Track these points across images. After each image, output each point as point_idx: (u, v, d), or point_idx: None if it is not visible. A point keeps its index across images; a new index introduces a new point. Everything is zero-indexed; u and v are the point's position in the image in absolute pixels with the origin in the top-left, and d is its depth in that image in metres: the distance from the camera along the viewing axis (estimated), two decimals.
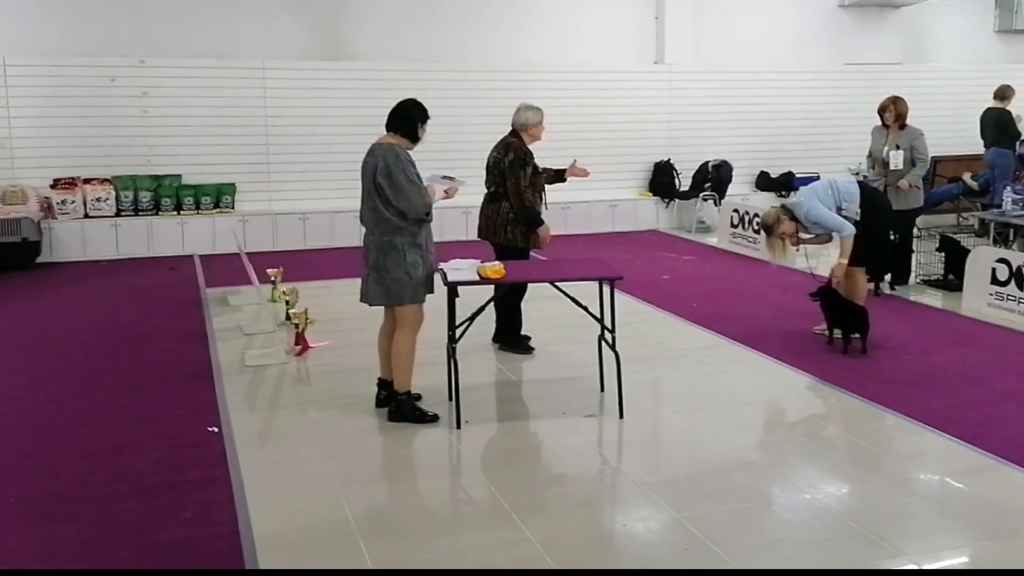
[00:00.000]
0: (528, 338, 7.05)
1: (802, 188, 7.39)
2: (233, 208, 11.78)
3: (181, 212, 11.49)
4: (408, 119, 5.40)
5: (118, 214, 11.23)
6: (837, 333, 7.01)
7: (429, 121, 5.49)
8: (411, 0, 12.58)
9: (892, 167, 8.65)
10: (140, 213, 11.35)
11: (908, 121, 8.84)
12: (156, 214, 11.41)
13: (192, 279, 9.97)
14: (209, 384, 6.29)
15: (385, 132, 5.45)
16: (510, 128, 6.87)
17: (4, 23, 11.14)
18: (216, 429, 5.41)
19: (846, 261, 6.80)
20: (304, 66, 12.08)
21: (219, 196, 11.71)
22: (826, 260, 7.75)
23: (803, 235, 7.06)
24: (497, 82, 12.72)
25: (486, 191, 6.84)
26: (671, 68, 13.59)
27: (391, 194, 5.24)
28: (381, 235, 5.35)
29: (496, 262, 5.58)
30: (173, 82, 11.56)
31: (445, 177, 5.66)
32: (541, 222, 6.71)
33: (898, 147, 8.68)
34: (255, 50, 11.99)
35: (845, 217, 6.87)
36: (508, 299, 6.71)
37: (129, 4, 11.53)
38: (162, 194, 11.45)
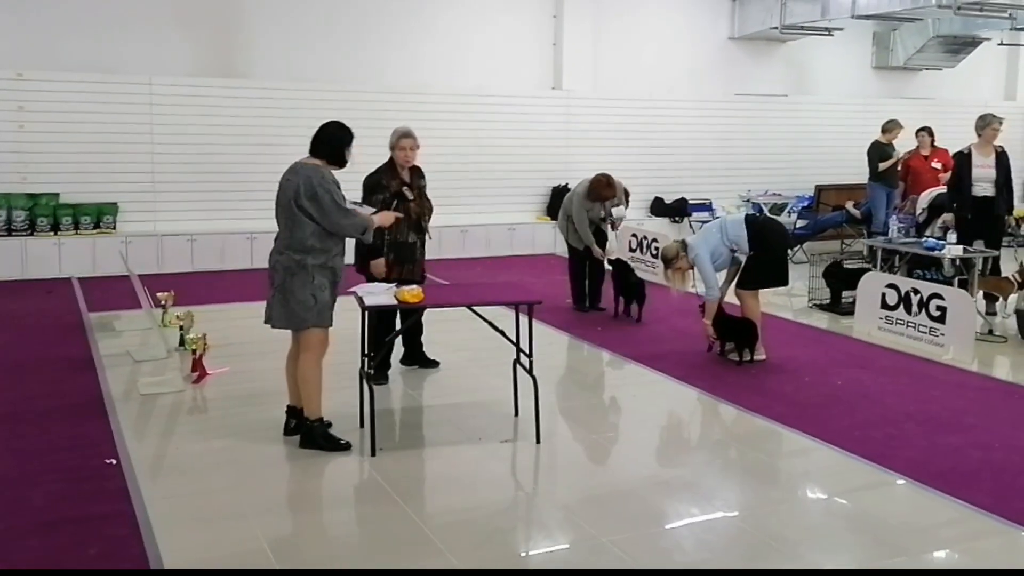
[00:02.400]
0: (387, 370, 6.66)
1: (700, 230, 7.82)
2: (115, 228, 11.23)
3: (58, 233, 10.88)
4: (333, 142, 5.26)
5: None
6: (730, 346, 7.39)
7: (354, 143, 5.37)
8: (306, 18, 12.35)
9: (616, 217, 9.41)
10: (14, 233, 10.69)
11: None
12: (31, 234, 10.77)
13: (72, 303, 9.43)
14: (101, 414, 5.91)
15: (308, 155, 5.27)
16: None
17: None
18: (114, 461, 5.07)
19: (709, 322, 7.35)
20: (194, 83, 11.66)
21: (100, 216, 11.14)
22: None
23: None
24: (393, 104, 12.57)
25: None
26: (569, 94, 13.78)
27: (318, 216, 5.08)
28: (292, 255, 5.17)
29: (414, 286, 5.45)
30: (53, 96, 10.98)
31: (353, 203, 5.55)
32: (378, 254, 6.34)
33: (613, 207, 9.34)
34: (142, 65, 11.51)
35: (735, 253, 7.35)
36: (380, 327, 6.04)
37: (6, 14, 10.91)
38: (38, 213, 10.82)
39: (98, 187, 11.24)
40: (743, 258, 7.36)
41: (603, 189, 9.14)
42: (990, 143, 9.01)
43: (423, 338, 7.06)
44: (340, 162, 5.29)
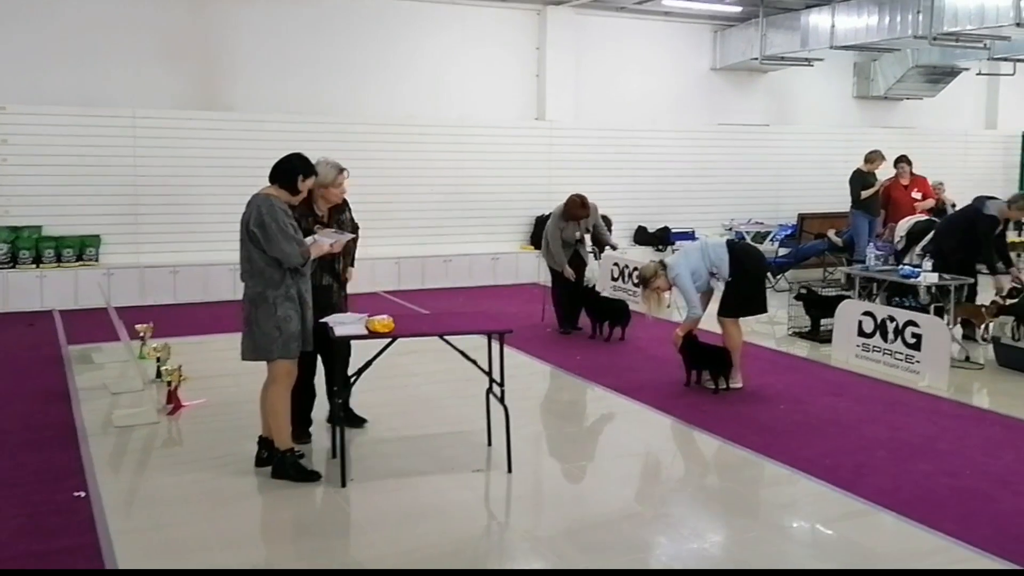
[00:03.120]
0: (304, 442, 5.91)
1: (680, 249, 7.73)
2: (97, 261, 11.24)
3: (40, 265, 10.88)
4: (289, 171, 5.30)
5: None
6: (706, 375, 7.41)
7: (314, 178, 5.40)
8: (290, 51, 12.47)
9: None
10: None
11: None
12: (13, 267, 10.77)
13: (52, 336, 9.41)
14: (73, 446, 5.89)
15: (268, 183, 5.32)
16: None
17: None
18: (83, 494, 5.05)
19: (682, 334, 7.35)
20: (177, 115, 11.74)
21: (82, 248, 11.15)
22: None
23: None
24: (378, 135, 12.72)
25: None
26: (552, 124, 13.89)
27: (264, 243, 5.12)
28: (254, 287, 5.21)
29: (384, 315, 5.46)
30: (35, 129, 11.03)
31: (336, 231, 5.59)
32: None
33: (588, 229, 9.65)
34: (125, 98, 11.58)
35: (716, 276, 7.30)
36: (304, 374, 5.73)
37: None
38: (20, 246, 10.83)
39: (81, 219, 11.26)
40: (720, 284, 7.37)
41: (576, 209, 9.29)
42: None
43: (354, 393, 5.97)
44: (292, 189, 5.29)
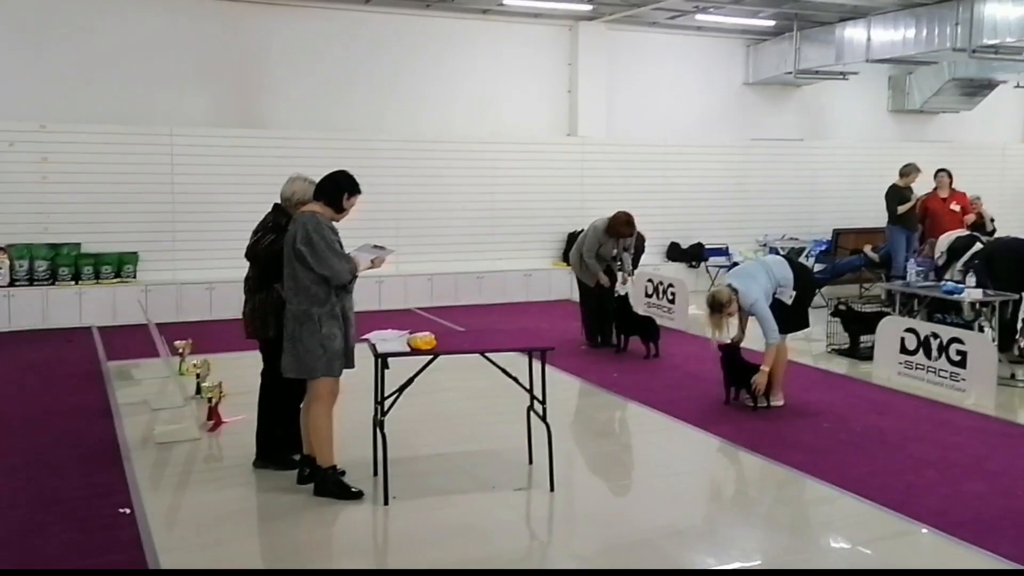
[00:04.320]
0: (295, 459, 5.64)
1: (741, 272, 7.35)
2: (135, 277, 11.34)
3: (79, 282, 10.99)
4: (334, 189, 5.30)
5: (12, 284, 10.67)
6: (745, 393, 7.28)
7: (359, 196, 5.38)
8: (323, 69, 12.56)
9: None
10: (35, 283, 10.81)
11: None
12: (53, 284, 10.89)
13: (91, 352, 9.50)
14: (116, 462, 5.92)
15: (312, 200, 5.33)
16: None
17: None
18: (128, 510, 5.07)
19: (767, 370, 7.02)
20: (214, 133, 11.86)
21: (120, 265, 11.26)
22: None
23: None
24: (409, 152, 12.77)
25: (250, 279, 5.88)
26: (584, 140, 13.88)
27: (312, 261, 5.11)
28: (299, 304, 5.20)
29: (427, 332, 5.45)
30: (75, 147, 11.16)
31: (376, 247, 5.56)
32: None
33: (626, 249, 9.62)
34: (163, 116, 11.72)
35: (779, 295, 7.10)
36: (271, 401, 5.73)
37: (31, 67, 11.17)
38: (59, 263, 10.95)
39: (119, 236, 11.38)
40: (787, 299, 7.16)
41: (622, 226, 9.27)
42: None
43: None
44: (337, 208, 5.29)
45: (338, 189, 5.29)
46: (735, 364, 7.31)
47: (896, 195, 11.94)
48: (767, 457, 6.09)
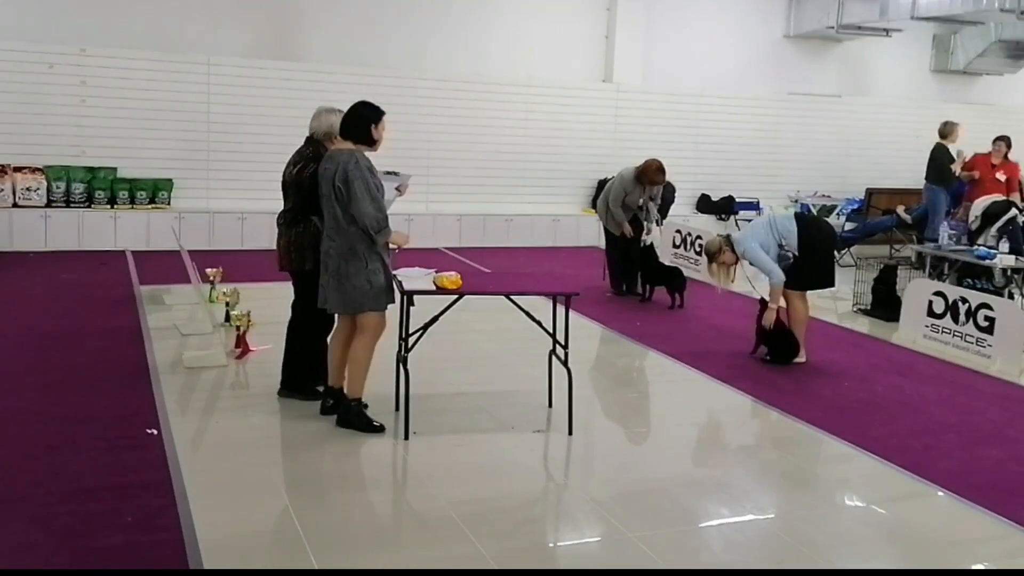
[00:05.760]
0: (319, 390, 5.73)
1: (746, 226, 7.56)
2: (169, 204, 11.47)
3: (115, 206, 11.14)
4: (359, 122, 5.23)
5: (48, 205, 10.83)
6: (764, 351, 7.37)
7: (385, 118, 5.30)
8: (364, 4, 12.46)
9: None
10: (72, 205, 10.97)
11: None
12: (88, 207, 11.04)
13: (125, 276, 9.66)
14: (146, 385, 6.06)
15: (340, 138, 5.32)
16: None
17: None
18: (155, 431, 5.20)
19: (775, 307, 7.16)
20: (251, 64, 11.86)
21: (155, 191, 11.38)
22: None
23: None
24: (444, 91, 12.71)
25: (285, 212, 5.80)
26: (619, 87, 13.72)
27: (347, 200, 5.12)
28: (343, 241, 5.21)
29: (452, 272, 5.49)
30: (114, 73, 11.23)
31: (389, 173, 5.52)
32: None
33: (652, 198, 9.54)
34: (201, 45, 11.73)
35: (784, 253, 7.18)
36: (300, 333, 5.81)
37: None
38: (96, 187, 11.08)
39: (154, 163, 11.49)
40: (790, 255, 7.26)
41: (654, 173, 9.21)
42: None
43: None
44: (368, 141, 5.25)
45: (364, 121, 5.23)
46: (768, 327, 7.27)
47: (946, 154, 11.64)
48: (787, 413, 6.13)
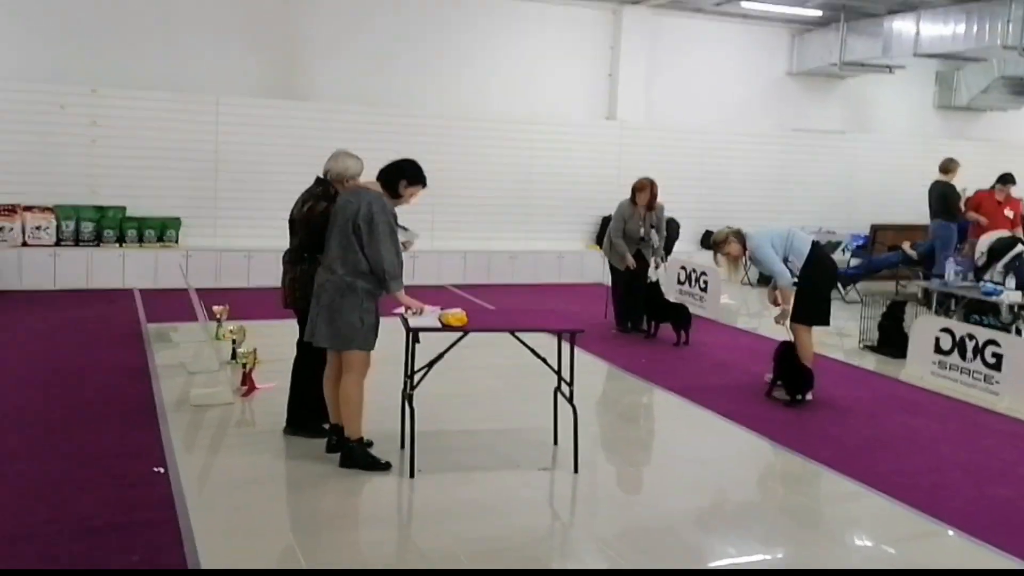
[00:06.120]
0: (325, 427, 5.72)
1: (764, 227, 7.74)
2: (177, 242, 11.54)
3: (123, 244, 11.21)
4: (395, 172, 5.35)
5: (58, 244, 10.91)
6: (780, 391, 7.31)
7: (422, 191, 5.42)
8: (368, 44, 12.63)
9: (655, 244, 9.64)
10: (81, 244, 11.04)
11: None
12: (97, 245, 11.11)
13: (132, 313, 9.69)
14: (152, 422, 6.07)
15: (376, 180, 5.39)
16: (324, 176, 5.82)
17: None
18: (162, 470, 5.21)
19: (789, 307, 7.23)
20: (259, 103, 11.99)
21: (163, 230, 11.46)
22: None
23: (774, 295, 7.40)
24: (450, 129, 12.83)
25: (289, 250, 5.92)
26: (622, 124, 13.84)
27: (367, 240, 5.16)
28: (343, 276, 5.24)
29: (458, 309, 5.51)
30: (124, 112, 11.36)
31: (399, 227, 5.60)
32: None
33: (652, 227, 9.55)
34: (210, 85, 11.87)
35: (787, 263, 7.25)
36: (306, 371, 5.83)
37: (83, 32, 11.35)
38: (105, 225, 11.17)
39: (163, 202, 11.58)
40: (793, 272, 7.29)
41: (638, 185, 9.43)
42: None
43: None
44: (394, 193, 5.34)
45: (398, 174, 5.34)
46: (788, 361, 7.26)
47: (952, 192, 11.66)
48: (793, 450, 6.10)
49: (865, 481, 5.55)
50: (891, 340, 9.04)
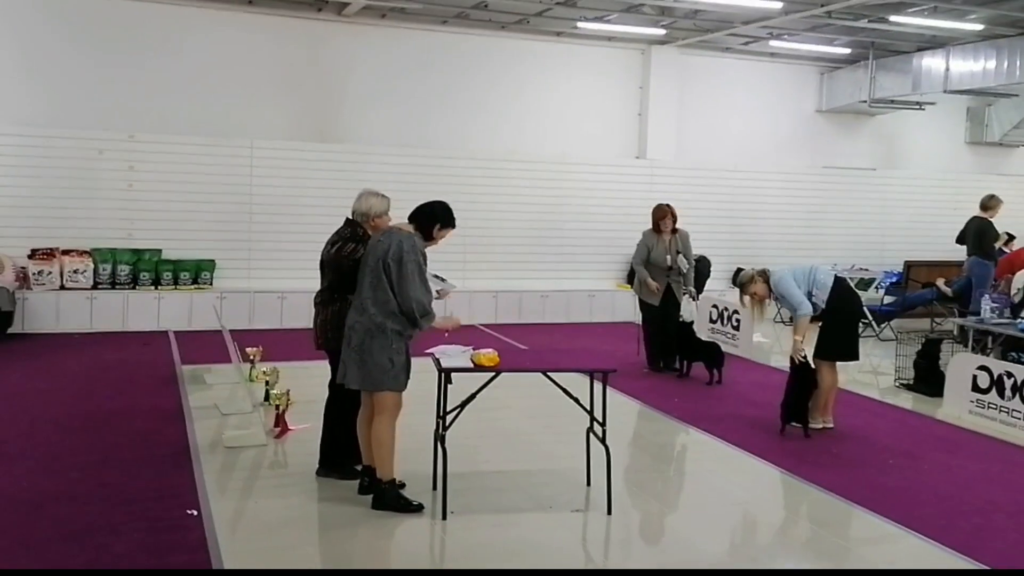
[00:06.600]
0: (358, 469, 5.75)
1: (787, 265, 7.85)
2: (211, 284, 11.70)
3: (159, 287, 11.38)
4: (430, 216, 5.41)
5: (95, 287, 11.11)
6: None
7: (452, 231, 5.49)
8: (399, 86, 12.84)
9: (684, 270, 9.50)
10: (117, 286, 11.23)
11: None
12: (133, 288, 11.29)
13: (167, 355, 9.81)
14: (186, 464, 6.12)
15: (407, 221, 5.45)
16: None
17: None
18: (195, 512, 5.23)
19: (800, 338, 7.23)
20: (292, 147, 12.21)
21: (198, 272, 11.63)
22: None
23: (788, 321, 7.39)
24: (480, 169, 12.96)
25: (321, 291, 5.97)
26: (652, 163, 13.88)
27: (396, 280, 5.19)
28: (372, 317, 5.26)
29: (490, 349, 5.52)
30: (160, 157, 11.61)
31: (436, 276, 5.64)
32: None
33: (678, 251, 9.47)
34: (244, 129, 12.11)
35: (812, 298, 7.29)
36: (338, 412, 5.87)
37: (121, 79, 11.65)
38: (141, 268, 11.36)
39: (198, 244, 11.78)
40: (819, 305, 7.30)
41: (659, 217, 9.42)
42: None
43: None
44: (427, 235, 5.40)
45: (432, 218, 5.41)
46: (803, 381, 7.22)
47: (989, 228, 11.54)
48: (830, 491, 6.00)
49: (904, 523, 5.45)
50: (927, 378, 8.92)
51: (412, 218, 5.44)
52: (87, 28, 11.51)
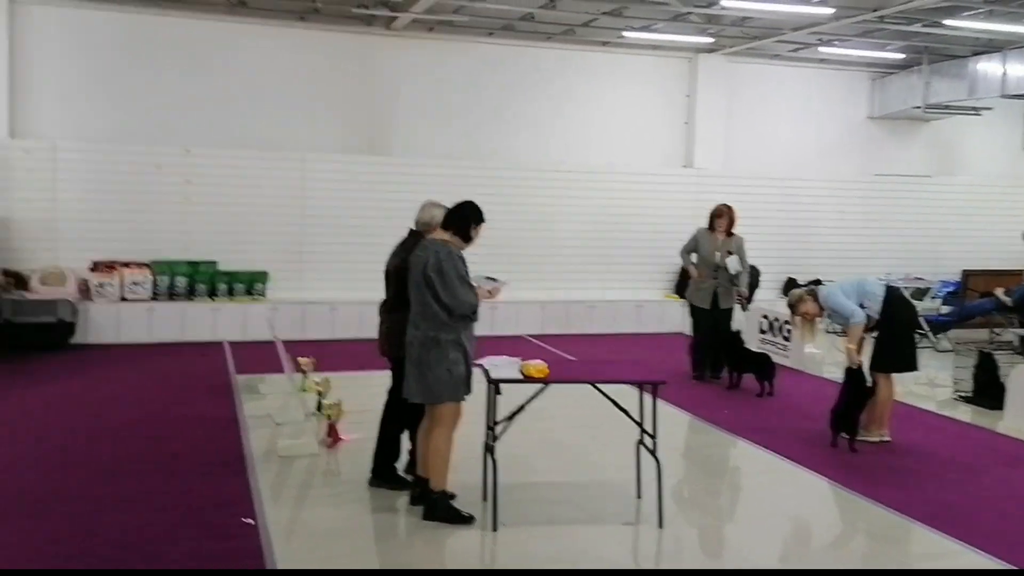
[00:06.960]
0: (407, 479, 5.91)
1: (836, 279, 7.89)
2: (264, 295, 11.89)
3: (215, 298, 11.60)
4: (463, 219, 5.47)
5: (154, 298, 11.35)
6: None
7: (483, 225, 5.54)
8: (448, 99, 12.95)
9: (732, 271, 9.44)
10: (175, 298, 11.47)
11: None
12: (190, 299, 11.52)
13: (222, 365, 9.99)
14: (241, 473, 6.23)
15: (440, 229, 5.51)
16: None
17: (57, 109, 11.52)
18: (251, 521, 5.32)
19: (853, 345, 7.17)
20: (343, 159, 12.39)
21: (252, 283, 11.84)
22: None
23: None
24: (528, 180, 13.01)
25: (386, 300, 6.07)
26: (700, 172, 13.80)
27: (440, 288, 5.25)
28: (426, 330, 5.33)
29: (539, 360, 5.54)
30: (216, 171, 11.86)
31: (488, 278, 5.69)
32: None
33: (730, 252, 9.42)
34: (297, 143, 12.31)
35: (865, 309, 7.22)
36: (395, 420, 5.99)
37: (177, 96, 11.92)
38: (198, 279, 11.59)
39: (252, 256, 11.98)
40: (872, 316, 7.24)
41: (716, 216, 9.51)
42: None
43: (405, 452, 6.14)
44: (465, 237, 5.45)
45: (466, 219, 5.46)
46: (856, 392, 7.11)
47: None
48: (886, 506, 5.90)
49: (964, 539, 5.33)
50: (987, 391, 8.72)
51: (446, 225, 5.47)
52: (145, 45, 11.80)
